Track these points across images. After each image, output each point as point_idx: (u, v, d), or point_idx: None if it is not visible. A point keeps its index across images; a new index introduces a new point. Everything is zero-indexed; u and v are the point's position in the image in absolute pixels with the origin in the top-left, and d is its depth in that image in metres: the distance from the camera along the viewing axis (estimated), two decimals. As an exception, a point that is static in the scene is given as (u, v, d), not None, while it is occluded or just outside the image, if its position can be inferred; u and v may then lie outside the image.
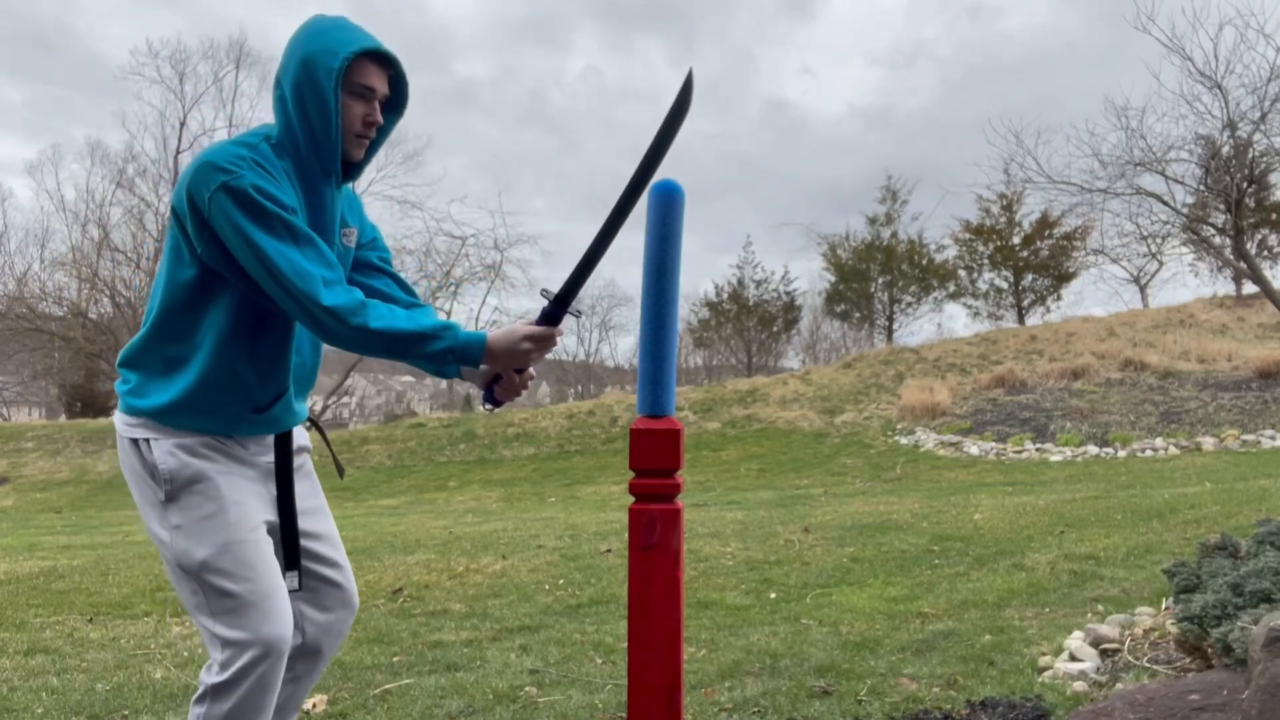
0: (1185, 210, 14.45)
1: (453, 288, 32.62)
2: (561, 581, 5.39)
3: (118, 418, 2.00)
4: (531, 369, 2.00)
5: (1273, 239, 26.30)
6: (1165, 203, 13.58)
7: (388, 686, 3.41)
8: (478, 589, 5.28)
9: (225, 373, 1.93)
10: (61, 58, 57.64)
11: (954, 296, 34.11)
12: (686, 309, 38.99)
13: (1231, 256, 15.26)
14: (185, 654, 4.03)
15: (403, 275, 2.28)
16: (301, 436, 2.19)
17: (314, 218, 1.97)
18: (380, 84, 1.96)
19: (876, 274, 34.32)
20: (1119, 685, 2.90)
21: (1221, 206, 13.35)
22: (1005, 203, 30.93)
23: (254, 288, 1.88)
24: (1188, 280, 60.51)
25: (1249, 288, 22.62)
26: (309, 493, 2.16)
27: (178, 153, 31.80)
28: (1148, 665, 3.06)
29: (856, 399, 18.41)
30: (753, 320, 37.68)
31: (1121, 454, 12.61)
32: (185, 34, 62.73)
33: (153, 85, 36.79)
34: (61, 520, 13.28)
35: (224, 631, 1.90)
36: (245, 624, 1.90)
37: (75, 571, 6.33)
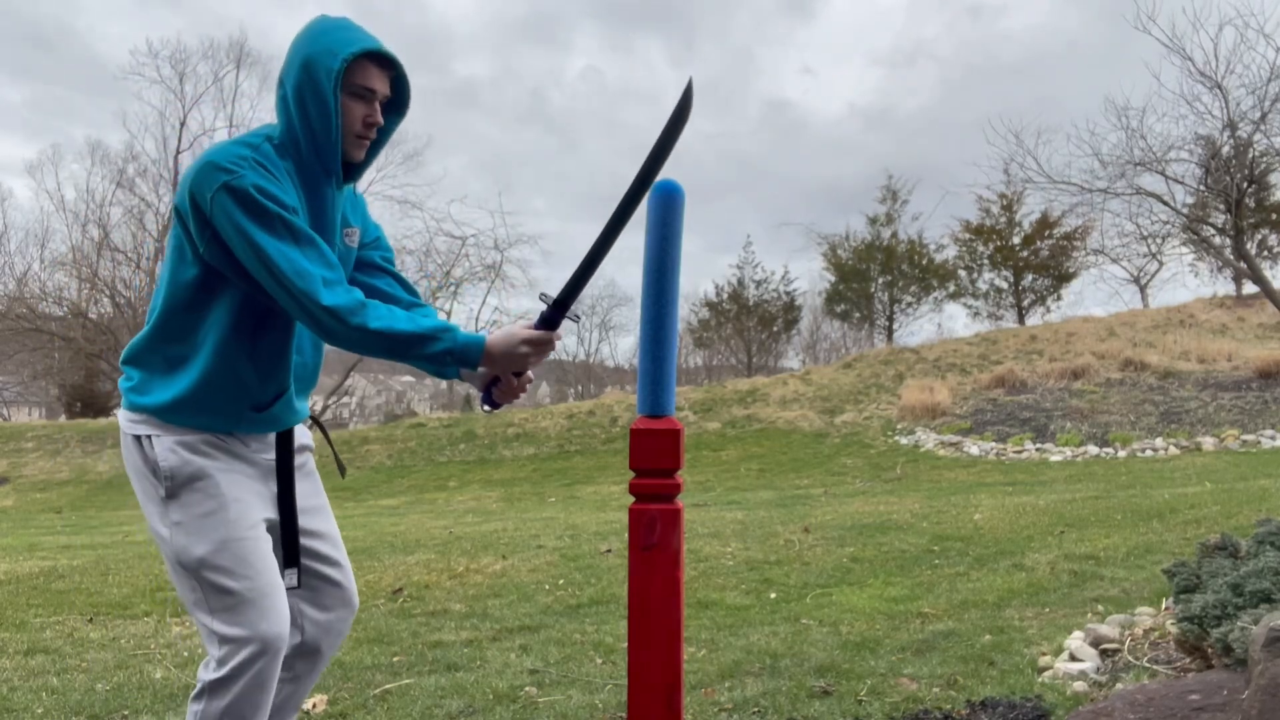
0: (1185, 210, 14.45)
1: (453, 288, 32.64)
2: (561, 581, 5.39)
3: (121, 414, 2.02)
4: (530, 372, 2.01)
5: (1273, 239, 26.31)
6: (1165, 203, 13.58)
7: (388, 686, 3.42)
8: (478, 589, 5.28)
9: (226, 371, 1.94)
10: (61, 58, 57.68)
11: (954, 296, 34.13)
12: (686, 309, 39.01)
13: (1231, 256, 15.26)
14: (185, 654, 4.03)
15: (404, 275, 2.28)
16: (303, 435, 2.20)
17: (315, 218, 1.97)
18: (381, 85, 1.97)
19: (876, 274, 34.33)
20: (1119, 685, 2.90)
21: (1221, 206, 13.35)
22: (1005, 203, 30.94)
23: (256, 287, 1.89)
24: (1188, 280, 60.46)
25: (1249, 288, 22.62)
26: (310, 491, 2.17)
27: (178, 153, 31.83)
28: (1148, 665, 3.06)
29: (856, 399, 18.41)
30: (753, 320, 37.68)
31: (1121, 454, 12.61)
32: (185, 34, 62.78)
33: (153, 85, 36.87)
34: (61, 520, 13.28)
35: (221, 628, 1.91)
36: (243, 621, 1.90)
37: (75, 571, 6.33)
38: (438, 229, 35.95)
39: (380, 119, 1.99)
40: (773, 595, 4.88)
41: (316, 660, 2.18)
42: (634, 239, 1.71)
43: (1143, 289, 31.25)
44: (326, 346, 2.12)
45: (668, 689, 1.70)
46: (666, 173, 1.72)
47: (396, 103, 2.05)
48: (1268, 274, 15.67)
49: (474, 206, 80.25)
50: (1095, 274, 43.20)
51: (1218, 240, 15.54)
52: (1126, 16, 13.28)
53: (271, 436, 2.07)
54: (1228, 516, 6.07)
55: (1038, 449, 13.41)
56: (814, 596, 4.82)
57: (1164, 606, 3.70)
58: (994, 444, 14.00)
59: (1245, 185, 12.65)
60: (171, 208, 1.94)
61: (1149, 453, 12.55)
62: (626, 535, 1.73)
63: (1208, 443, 12.55)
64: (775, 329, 38.52)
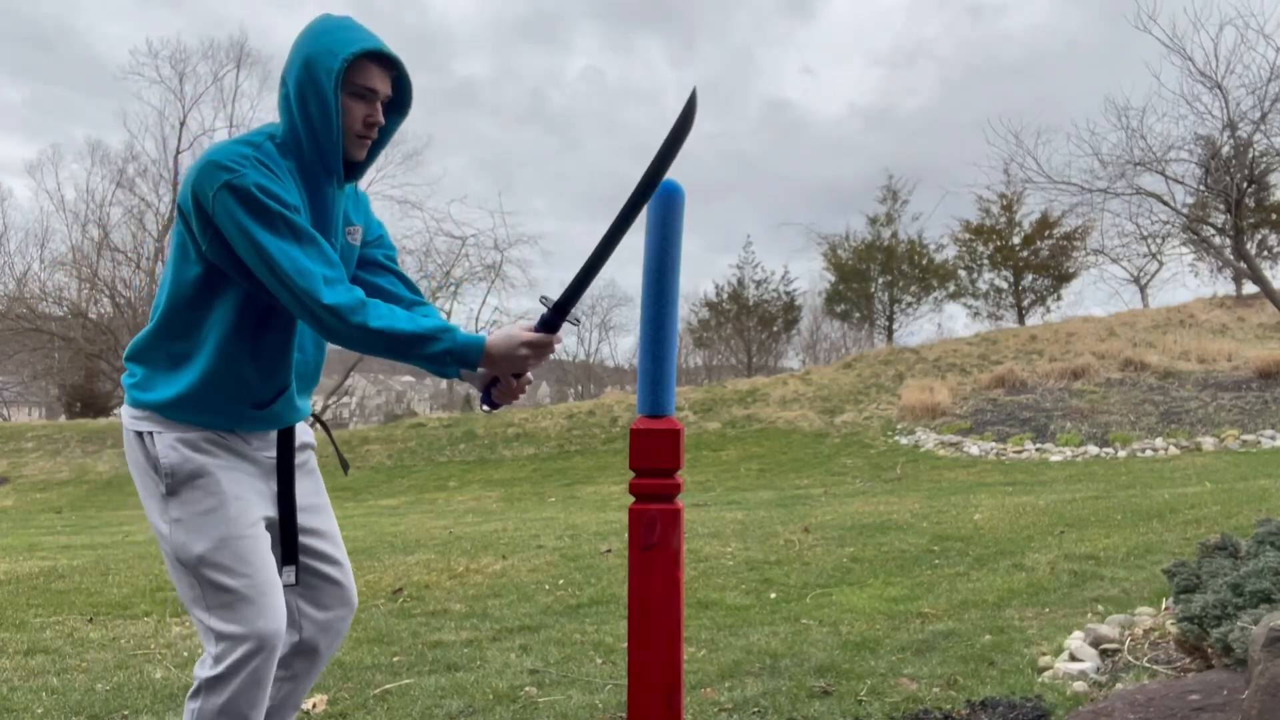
0: (1185, 210, 14.45)
1: (453, 288, 32.63)
2: (561, 581, 5.39)
3: (124, 410, 2.03)
4: (530, 374, 2.01)
5: (1273, 239, 26.30)
6: (1165, 203, 13.58)
7: (388, 686, 3.42)
8: (478, 589, 5.28)
9: (228, 369, 1.94)
10: (61, 58, 57.68)
11: (954, 296, 34.13)
12: (686, 309, 39.01)
13: (1231, 256, 15.25)
14: (185, 654, 4.03)
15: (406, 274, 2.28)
16: (306, 434, 2.20)
17: (317, 217, 1.98)
18: (382, 85, 1.97)
19: (877, 274, 34.33)
20: (1119, 685, 2.90)
21: (1221, 206, 13.34)
22: (1005, 203, 30.93)
23: (258, 285, 1.90)
24: (1188, 280, 60.44)
25: (1249, 288, 22.62)
26: (311, 490, 2.17)
27: (178, 153, 31.81)
28: (1148, 665, 3.06)
29: (856, 399, 18.41)
30: (753, 320, 37.69)
31: (1121, 454, 12.61)
32: (185, 34, 62.77)
33: (153, 85, 36.82)
34: (61, 520, 13.28)
35: (219, 625, 1.92)
36: (240, 618, 1.91)
37: (75, 571, 6.33)
38: (438, 229, 35.99)
39: (381, 119, 1.99)
40: (773, 595, 4.88)
41: (315, 659, 2.18)
42: (634, 239, 1.71)
43: (1143, 289, 31.27)
44: (328, 345, 2.12)
45: (668, 689, 1.70)
46: (667, 173, 1.72)
47: (398, 103, 2.05)
48: (1268, 274, 15.67)
49: (474, 206, 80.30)
50: (1095, 274, 43.21)
51: (1218, 240, 15.54)
52: (1127, 16, 13.27)
53: (273, 434, 2.08)
54: (1228, 516, 6.07)
55: (1038, 449, 13.41)
56: (814, 596, 4.82)
57: (1164, 606, 3.70)
58: (994, 444, 14.00)
59: (1245, 185, 12.64)
60: (174, 206, 1.96)
61: (1149, 453, 12.55)
62: (626, 535, 1.73)
63: (1208, 443, 12.55)
64: (775, 329, 38.53)
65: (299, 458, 2.15)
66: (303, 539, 2.12)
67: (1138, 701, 2.52)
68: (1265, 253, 25.78)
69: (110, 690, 3.45)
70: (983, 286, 33.31)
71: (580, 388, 46.65)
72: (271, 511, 2.06)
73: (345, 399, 40.77)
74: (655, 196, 1.71)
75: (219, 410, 1.97)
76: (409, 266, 31.14)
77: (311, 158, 1.95)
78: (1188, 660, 2.99)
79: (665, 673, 1.70)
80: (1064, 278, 31.97)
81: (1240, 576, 2.89)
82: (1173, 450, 12.46)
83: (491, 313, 33.33)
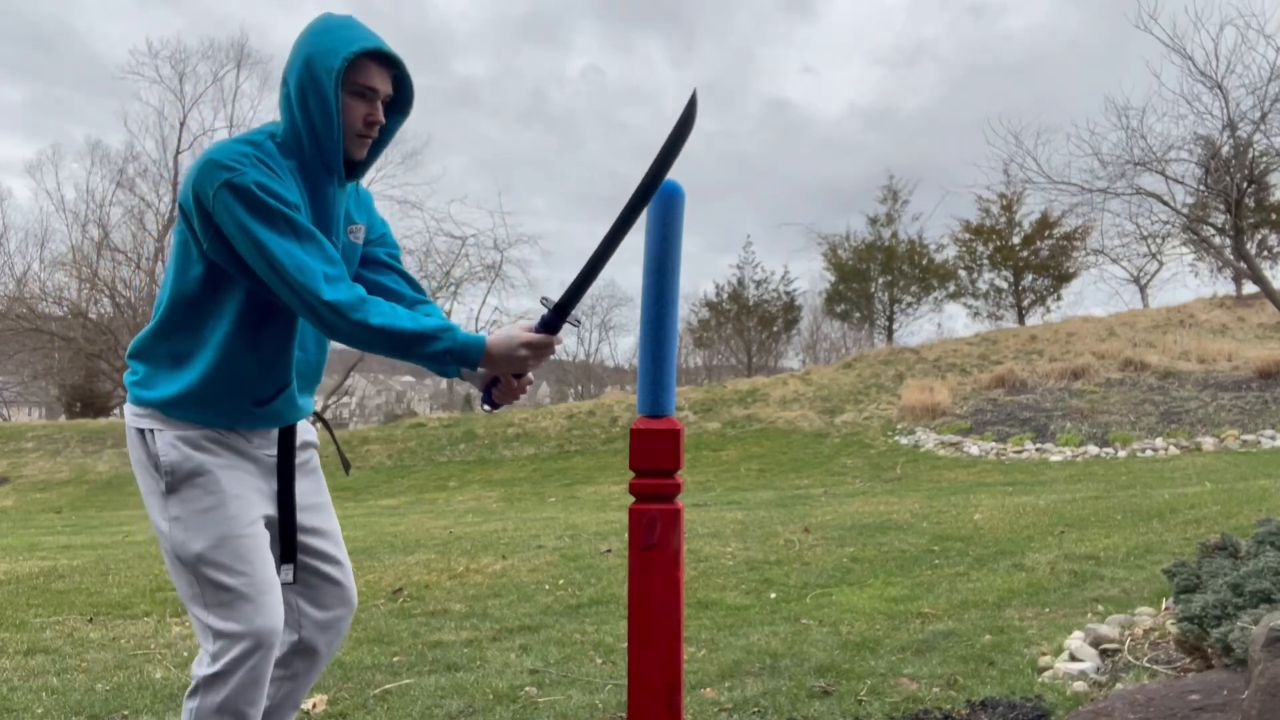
0: (1185, 210, 14.44)
1: (453, 288, 32.63)
2: (561, 581, 5.39)
3: (126, 408, 2.05)
4: (530, 374, 2.01)
5: (1273, 239, 26.29)
6: (1165, 203, 13.57)
7: (388, 686, 3.42)
8: (478, 589, 5.28)
9: (229, 367, 1.95)
10: (61, 58, 57.68)
11: (954, 296, 34.14)
12: (686, 309, 39.01)
13: (1231, 256, 15.25)
14: (185, 654, 4.03)
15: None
16: (309, 433, 2.21)
17: (318, 215, 1.98)
18: (383, 84, 1.97)
19: (877, 274, 34.33)
20: (1119, 685, 2.90)
21: (1221, 206, 13.34)
22: (1005, 203, 30.94)
23: (259, 284, 1.90)
24: (1188, 280, 60.47)
25: (1249, 288, 22.62)
26: (313, 489, 2.18)
27: (178, 153, 31.78)
28: (1148, 665, 3.06)
29: (856, 399, 18.41)
30: (753, 320, 37.69)
31: (1121, 454, 12.61)
32: (185, 34, 62.74)
33: (152, 85, 36.74)
34: (61, 520, 13.29)
35: (216, 623, 1.92)
36: (238, 616, 1.91)
37: (75, 571, 6.33)
38: (438, 229, 36.05)
39: (382, 118, 1.99)
40: (773, 595, 4.88)
41: (315, 659, 2.18)
42: (634, 239, 1.71)
43: (1143, 289, 31.27)
44: (330, 345, 2.13)
45: (668, 689, 1.70)
46: (667, 175, 1.72)
47: (399, 102, 2.05)
48: (1268, 274, 15.67)
49: (474, 206, 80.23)
50: (1095, 274, 43.23)
51: (1218, 240, 15.54)
52: (1128, 15, 13.26)
53: (274, 432, 2.08)
54: (1228, 516, 6.07)
55: (1038, 449, 13.41)
56: (814, 596, 4.82)
57: (1164, 606, 3.70)
58: (994, 444, 14.00)
59: (1245, 185, 12.64)
60: (174, 206, 1.96)
61: (1149, 453, 12.55)
62: (626, 535, 1.73)
63: (1208, 443, 12.55)
64: (775, 329, 38.54)
65: (301, 456, 2.15)
66: (303, 538, 2.12)
67: (1138, 701, 2.52)
68: (1265, 253, 25.77)
69: (110, 690, 3.45)
70: (983, 286, 33.35)
71: (580, 388, 46.65)
72: (271, 510, 2.06)
73: (345, 399, 40.77)
74: (656, 197, 1.71)
75: (220, 408, 1.97)
76: (409, 266, 30.72)
77: (312, 156, 1.95)
78: (1188, 660, 2.99)
79: (665, 673, 1.70)
80: (1064, 278, 31.98)
81: (1240, 576, 2.89)
82: (1173, 450, 12.46)
83: (491, 313, 33.36)
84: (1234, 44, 14.28)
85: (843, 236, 34.84)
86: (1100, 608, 4.06)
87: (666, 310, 1.72)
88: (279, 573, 2.06)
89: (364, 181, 2.22)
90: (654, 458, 1.72)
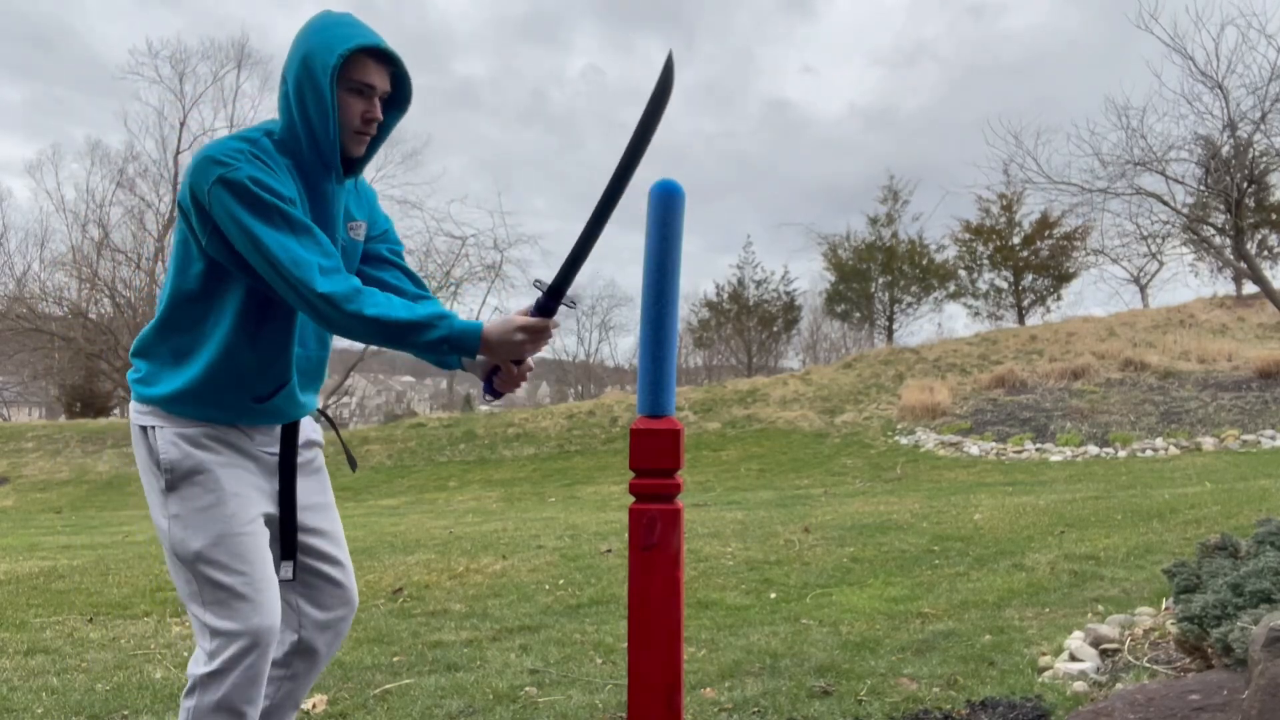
0: (1185, 210, 14.44)
1: (453, 288, 32.59)
2: (561, 581, 5.39)
3: (131, 405, 2.05)
4: (530, 360, 2.00)
5: (1273, 239, 26.27)
6: (1165, 203, 13.56)
7: (388, 686, 3.42)
8: (478, 589, 5.28)
9: (229, 363, 1.95)
10: (61, 58, 57.73)
11: (954, 296, 34.14)
12: (686, 309, 39.01)
13: (1231, 256, 15.24)
14: (185, 654, 4.03)
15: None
16: (314, 432, 2.21)
17: (316, 212, 1.98)
18: (380, 81, 1.97)
19: (877, 274, 34.33)
20: (1119, 685, 2.89)
21: (1221, 206, 13.33)
22: (1005, 203, 30.94)
23: (257, 279, 1.90)
24: (1188, 280, 60.50)
25: (1249, 288, 22.61)
26: (316, 489, 2.17)
27: (178, 153, 31.76)
28: (1148, 665, 3.06)
29: (856, 399, 18.41)
30: (753, 320, 37.69)
31: (1121, 454, 12.61)
32: (185, 34, 62.77)
33: (152, 85, 36.75)
34: (61, 520, 13.28)
35: (214, 621, 1.92)
36: (235, 615, 1.92)
37: (75, 571, 6.33)
38: (438, 229, 36.04)
39: (379, 115, 1.99)
40: (773, 595, 4.88)
41: (315, 659, 2.18)
42: (634, 239, 1.72)
43: (1143, 289, 31.27)
44: (332, 343, 2.13)
45: (668, 689, 1.70)
46: (667, 174, 1.72)
47: (398, 99, 2.05)
48: (1268, 274, 15.66)
49: (474, 206, 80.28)
50: (1095, 274, 43.24)
51: (1218, 240, 15.53)
52: (1128, 15, 13.22)
53: (277, 430, 2.08)
54: (1228, 516, 6.07)
55: (1038, 449, 13.41)
56: (814, 596, 4.82)
57: (1164, 606, 3.70)
58: (994, 444, 14.00)
59: (1245, 185, 12.63)
60: (174, 205, 1.97)
61: (1149, 453, 12.55)
62: (626, 535, 1.73)
63: (1208, 443, 12.55)
64: (775, 329, 38.54)
65: (306, 455, 2.15)
66: (305, 538, 2.12)
67: (1138, 701, 2.52)
68: (1265, 253, 25.75)
69: (110, 690, 3.45)
70: (983, 286, 33.34)
71: (580, 388, 46.64)
72: (272, 508, 2.06)
73: (345, 399, 40.77)
74: (655, 196, 1.71)
75: (221, 404, 1.98)
76: (409, 266, 31.08)
77: (310, 154, 1.95)
78: (1188, 660, 2.99)
79: (665, 673, 1.70)
80: (1064, 278, 31.98)
81: (1240, 576, 2.89)
82: (1173, 450, 12.46)
83: (491, 313, 33.31)
84: (1235, 44, 14.30)
85: (843, 236, 34.88)
86: (1100, 608, 4.06)
87: (666, 310, 1.72)
88: (279, 570, 2.06)
89: (364, 180, 2.22)
90: (654, 458, 1.72)
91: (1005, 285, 32.94)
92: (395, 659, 3.84)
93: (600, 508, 10.94)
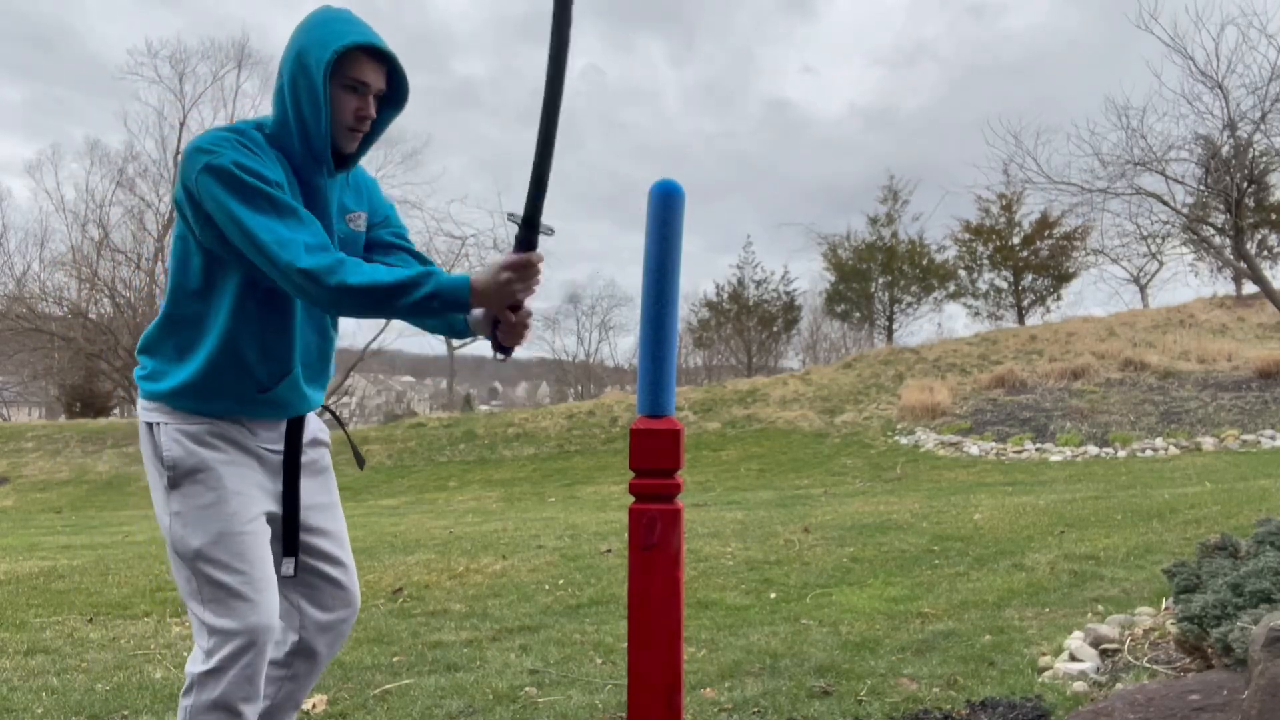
0: (1185, 210, 14.43)
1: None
2: (561, 581, 5.39)
3: (138, 402, 2.06)
4: (528, 306, 1.99)
5: (1273, 239, 26.27)
6: (1165, 203, 13.55)
7: (388, 686, 3.41)
8: (478, 589, 5.28)
9: (230, 353, 1.96)
10: (61, 58, 57.76)
11: (954, 296, 34.13)
12: (686, 309, 39.01)
13: (1231, 256, 15.24)
14: (185, 654, 4.03)
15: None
16: (321, 431, 2.20)
17: (308, 204, 1.98)
18: (375, 78, 1.96)
19: (877, 274, 34.33)
20: (1119, 685, 2.89)
21: (1221, 206, 13.33)
22: (1005, 203, 30.93)
23: (253, 266, 1.90)
24: (1188, 280, 60.46)
25: (1249, 288, 22.61)
26: (321, 489, 2.17)
27: (177, 153, 31.73)
28: (1148, 665, 3.06)
29: (856, 399, 18.41)
30: (753, 320, 37.69)
31: (1121, 454, 12.61)
32: (185, 34, 62.78)
33: (152, 85, 36.82)
34: (61, 520, 13.28)
35: (212, 619, 1.93)
36: (233, 613, 1.92)
37: (75, 571, 6.33)
38: (438, 229, 35.97)
39: (372, 112, 1.99)
40: (773, 595, 4.88)
41: (316, 660, 2.18)
42: (634, 238, 1.72)
43: (1143, 289, 31.28)
44: (336, 336, 2.13)
45: (668, 689, 1.70)
46: (667, 173, 1.72)
47: (393, 97, 2.04)
48: (1268, 274, 15.65)
49: (474, 206, 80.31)
50: (1095, 274, 43.20)
51: (1218, 240, 15.53)
52: (1128, 15, 13.20)
53: (282, 426, 2.08)
54: (1228, 516, 6.07)
55: (1038, 449, 13.41)
56: (814, 596, 4.82)
57: (1164, 606, 3.70)
58: (994, 444, 14.00)
59: (1245, 185, 12.62)
60: (173, 202, 1.97)
61: (1149, 453, 12.55)
62: (626, 535, 1.73)
63: (1208, 443, 12.55)
64: (775, 329, 38.53)
65: (312, 454, 2.15)
66: (308, 538, 2.12)
67: (1138, 701, 2.52)
68: (1265, 253, 25.75)
69: (110, 690, 3.45)
70: (983, 286, 33.33)
71: (580, 388, 46.64)
72: (274, 506, 2.06)
73: (345, 399, 40.76)
74: (655, 196, 1.71)
75: (222, 397, 1.98)
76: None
77: (300, 147, 1.95)
78: (1188, 660, 2.99)
79: (665, 673, 1.70)
80: (1064, 278, 31.98)
81: (1240, 576, 2.89)
82: (1173, 450, 12.46)
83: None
84: (1235, 44, 14.28)
85: (843, 236, 34.87)
86: (1100, 608, 4.06)
87: (666, 310, 1.72)
88: (280, 566, 2.05)
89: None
90: (654, 458, 1.72)
91: (1005, 285, 32.94)
92: (395, 659, 3.84)
93: (600, 508, 10.94)
